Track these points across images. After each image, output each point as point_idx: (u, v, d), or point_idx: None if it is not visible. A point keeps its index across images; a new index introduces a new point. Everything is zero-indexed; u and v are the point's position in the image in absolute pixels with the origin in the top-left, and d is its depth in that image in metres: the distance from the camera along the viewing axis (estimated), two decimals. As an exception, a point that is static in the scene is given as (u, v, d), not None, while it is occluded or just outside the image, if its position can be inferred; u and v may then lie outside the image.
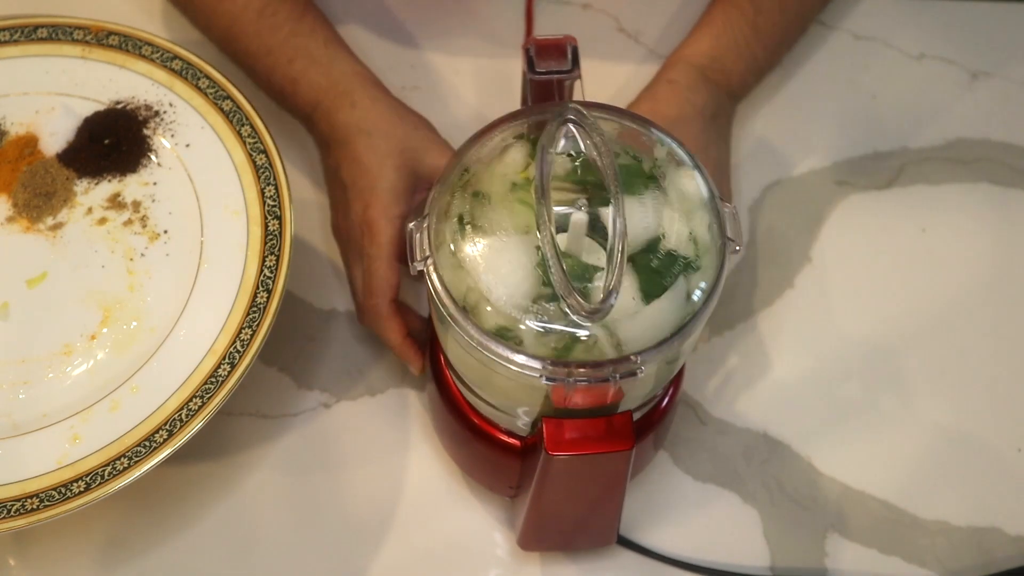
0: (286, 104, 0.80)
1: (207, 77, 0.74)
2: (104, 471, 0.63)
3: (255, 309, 0.67)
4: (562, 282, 0.55)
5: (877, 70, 0.93)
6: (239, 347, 0.66)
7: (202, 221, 0.71)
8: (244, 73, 0.81)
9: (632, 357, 0.56)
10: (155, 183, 0.73)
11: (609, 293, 0.55)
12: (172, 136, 0.73)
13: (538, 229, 0.57)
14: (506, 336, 0.57)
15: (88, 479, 0.63)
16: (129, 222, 0.72)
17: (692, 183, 0.60)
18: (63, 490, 0.63)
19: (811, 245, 0.85)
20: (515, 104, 0.66)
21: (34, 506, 0.62)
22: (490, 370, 0.60)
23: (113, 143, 0.73)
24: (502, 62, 0.91)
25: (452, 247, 0.59)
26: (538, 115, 0.62)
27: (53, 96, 0.75)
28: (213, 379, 0.65)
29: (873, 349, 0.82)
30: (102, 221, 0.72)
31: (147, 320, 0.69)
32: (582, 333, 0.56)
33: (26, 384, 0.67)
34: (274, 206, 0.70)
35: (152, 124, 0.74)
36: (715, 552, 0.74)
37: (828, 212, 0.87)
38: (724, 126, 0.82)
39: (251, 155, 0.72)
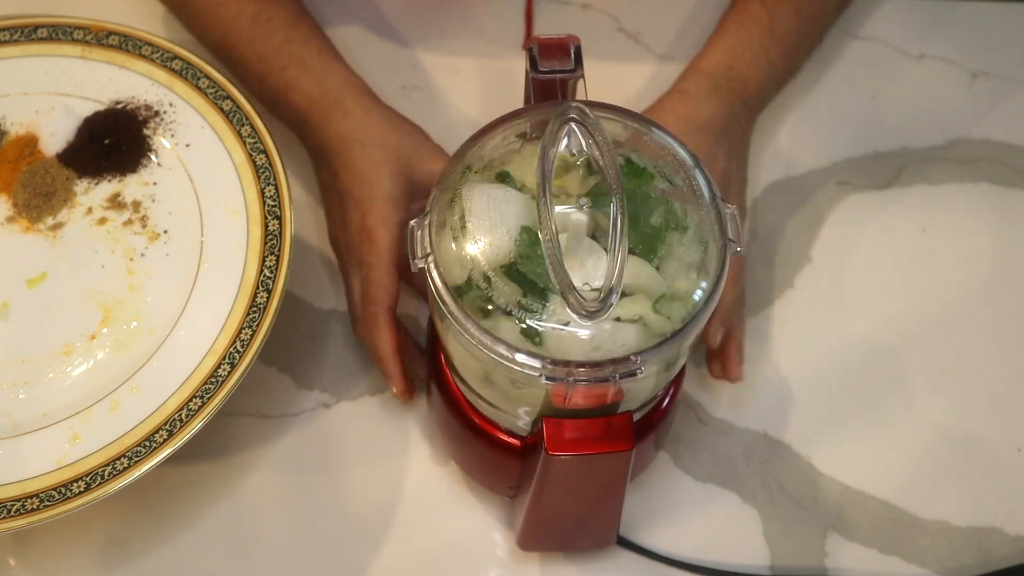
0: (278, 112, 0.79)
1: (207, 77, 0.74)
2: (104, 471, 0.63)
3: (255, 309, 0.67)
4: (563, 281, 0.55)
5: (877, 70, 0.93)
6: (239, 347, 0.66)
7: (202, 221, 0.71)
8: (238, 80, 0.81)
9: (632, 357, 0.56)
10: (155, 183, 0.73)
11: (610, 292, 0.55)
12: (172, 136, 0.73)
13: (539, 228, 0.57)
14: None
15: (88, 479, 0.63)
16: (129, 222, 0.71)
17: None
18: (63, 490, 0.63)
19: (811, 245, 0.85)
20: (516, 103, 0.66)
21: (34, 506, 0.62)
22: (490, 369, 0.60)
23: (113, 143, 0.73)
24: (502, 62, 0.91)
25: (453, 245, 0.59)
26: (540, 114, 0.62)
27: (53, 96, 0.75)
28: (213, 379, 0.65)
29: (873, 349, 0.82)
30: (102, 221, 0.72)
31: (147, 320, 0.69)
32: (582, 333, 0.57)
33: (26, 384, 0.67)
34: (274, 206, 0.70)
35: (152, 124, 0.74)
36: (715, 552, 0.74)
37: (828, 212, 0.87)
38: (738, 138, 0.80)
39: (251, 155, 0.72)
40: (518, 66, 0.67)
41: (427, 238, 0.59)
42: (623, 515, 0.69)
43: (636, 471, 0.72)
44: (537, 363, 0.56)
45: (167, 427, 0.64)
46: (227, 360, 0.66)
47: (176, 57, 0.75)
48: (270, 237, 0.69)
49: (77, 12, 0.78)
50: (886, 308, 0.83)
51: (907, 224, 0.87)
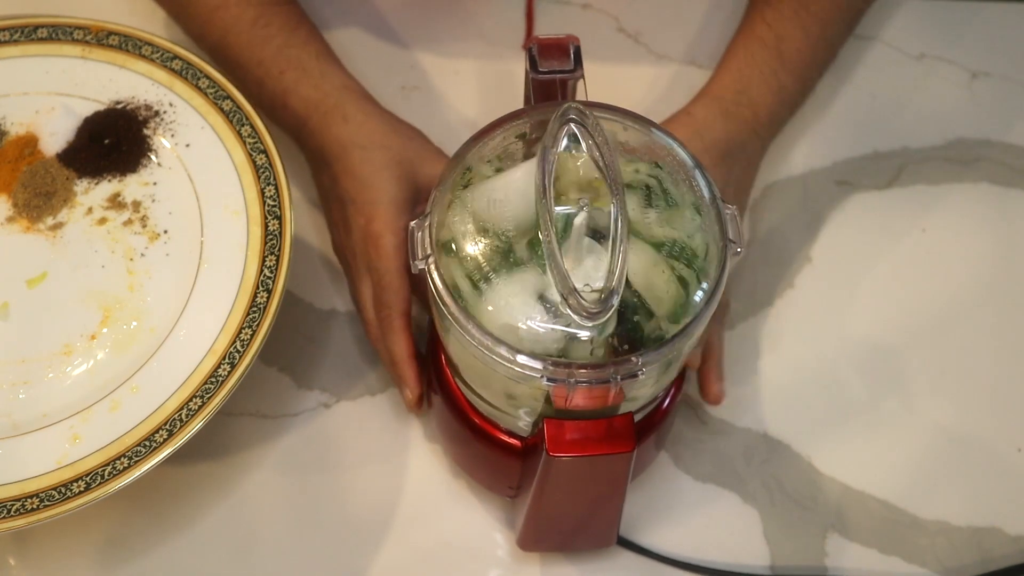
0: (276, 116, 0.79)
1: (207, 77, 0.74)
2: (104, 471, 0.63)
3: (255, 309, 0.67)
4: (563, 282, 0.55)
5: (877, 70, 0.93)
6: (239, 347, 0.66)
7: (202, 221, 0.71)
8: (236, 84, 0.81)
9: (633, 358, 0.56)
10: (155, 183, 0.73)
11: (610, 293, 0.55)
12: (172, 136, 0.73)
13: (539, 229, 0.57)
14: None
15: (88, 479, 0.63)
16: (129, 222, 0.71)
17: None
18: (63, 490, 0.63)
19: (811, 245, 0.85)
20: (515, 104, 0.66)
21: (34, 506, 0.62)
22: (491, 370, 0.60)
23: (113, 143, 0.73)
24: (502, 62, 0.91)
25: (454, 245, 0.59)
26: (540, 115, 0.62)
27: (53, 96, 0.75)
28: (213, 379, 0.65)
29: (873, 349, 0.82)
30: (102, 221, 0.72)
31: (147, 320, 0.68)
32: (582, 334, 0.57)
33: (26, 384, 0.67)
34: (274, 206, 0.70)
35: (152, 124, 0.74)
36: (715, 552, 0.74)
37: (828, 212, 0.87)
38: (741, 166, 0.78)
39: (251, 155, 0.72)
40: (518, 66, 0.67)
41: (427, 239, 0.59)
42: (623, 515, 0.69)
43: (637, 471, 0.72)
44: (538, 364, 0.56)
45: (167, 427, 0.64)
46: (227, 360, 0.66)
47: (176, 57, 0.75)
48: (270, 237, 0.69)
49: (77, 12, 0.78)
50: (886, 308, 0.83)
51: (907, 224, 0.87)
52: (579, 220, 0.56)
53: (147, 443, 0.64)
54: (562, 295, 0.55)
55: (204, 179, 0.72)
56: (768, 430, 0.78)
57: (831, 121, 0.91)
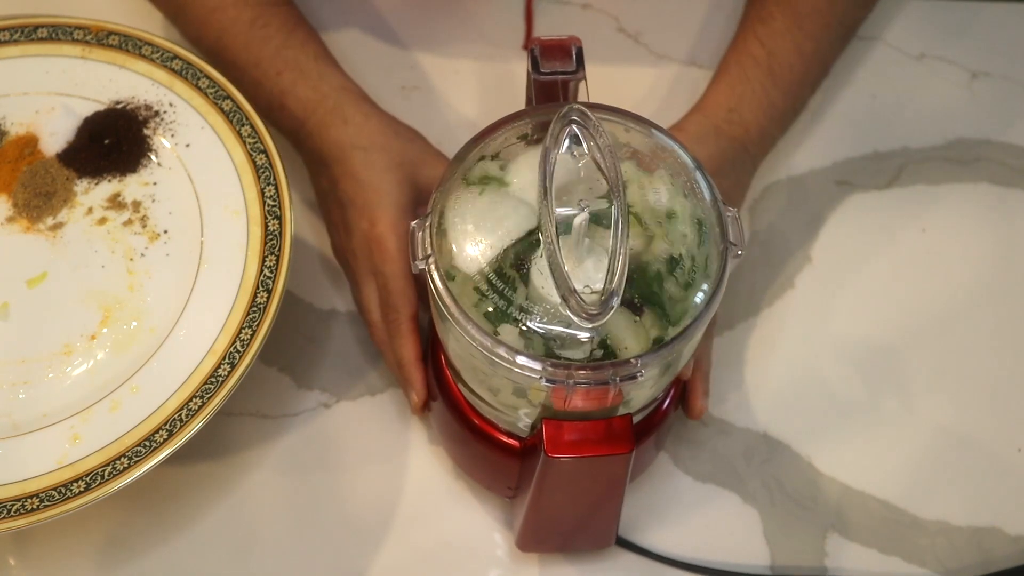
0: (273, 118, 0.78)
1: (207, 77, 0.74)
2: (104, 471, 0.63)
3: (255, 309, 0.67)
4: (563, 283, 0.55)
5: (877, 70, 0.93)
6: (239, 347, 0.66)
7: (202, 221, 0.71)
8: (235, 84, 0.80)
9: (632, 360, 0.56)
10: (155, 183, 0.73)
11: (610, 295, 0.55)
12: (172, 136, 0.73)
13: (540, 230, 0.57)
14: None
15: (88, 479, 0.63)
16: (129, 222, 0.71)
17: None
18: (63, 490, 0.63)
19: (811, 245, 0.85)
20: (516, 104, 0.66)
21: (34, 506, 0.62)
22: (490, 370, 0.60)
23: (113, 143, 0.73)
24: (502, 62, 0.91)
25: (454, 246, 0.59)
26: (541, 116, 0.62)
27: (53, 96, 0.75)
28: (213, 379, 0.65)
29: (873, 349, 0.82)
30: (102, 221, 0.72)
31: (147, 320, 0.69)
32: (582, 335, 0.57)
33: (26, 384, 0.67)
34: (274, 206, 0.70)
35: (152, 124, 0.74)
36: (715, 552, 0.74)
37: (828, 212, 0.87)
38: (730, 183, 0.78)
39: (251, 155, 0.72)
40: (518, 67, 0.67)
41: (428, 239, 0.59)
42: (623, 515, 0.69)
43: (636, 472, 0.72)
44: (537, 365, 0.56)
45: (167, 427, 0.64)
46: (227, 360, 0.66)
47: (176, 57, 0.75)
48: (270, 237, 0.69)
49: (77, 12, 0.78)
50: (886, 308, 0.83)
51: (907, 224, 0.87)
52: (579, 221, 0.56)
53: (147, 443, 0.64)
54: (562, 296, 0.55)
55: (204, 179, 0.72)
56: (768, 430, 0.78)
57: (831, 121, 0.91)
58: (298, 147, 0.79)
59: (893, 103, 0.92)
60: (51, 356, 0.68)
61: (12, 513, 0.62)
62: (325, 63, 0.79)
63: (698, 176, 0.61)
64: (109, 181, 0.73)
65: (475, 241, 0.59)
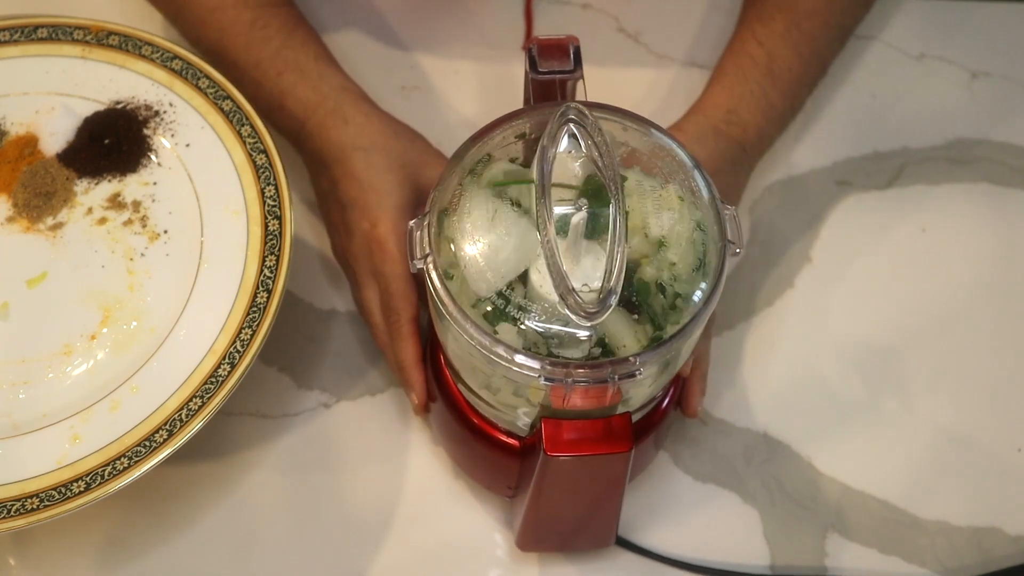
0: (273, 119, 0.78)
1: (207, 77, 0.74)
2: (104, 471, 0.63)
3: (255, 309, 0.67)
4: (561, 282, 0.55)
5: (877, 70, 0.93)
6: (239, 347, 0.66)
7: (202, 221, 0.71)
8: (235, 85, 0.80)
9: (631, 359, 0.56)
10: (155, 183, 0.73)
11: (608, 294, 0.55)
12: (172, 136, 0.73)
13: (538, 229, 0.57)
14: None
15: (88, 479, 0.63)
16: (129, 222, 0.72)
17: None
18: (63, 490, 0.63)
19: (811, 245, 0.85)
20: (515, 104, 0.66)
21: (34, 506, 0.62)
22: (489, 370, 0.60)
23: (113, 143, 0.73)
24: (501, 62, 0.91)
25: (452, 246, 0.59)
26: (539, 115, 0.62)
27: (53, 96, 0.75)
28: (213, 379, 0.65)
29: (873, 349, 0.82)
30: (102, 221, 0.72)
31: (147, 320, 0.69)
32: (580, 333, 0.57)
33: (26, 384, 0.67)
34: (274, 206, 0.70)
35: (152, 124, 0.74)
36: (715, 552, 0.74)
37: (828, 212, 0.87)
38: (728, 183, 0.78)
39: (251, 155, 0.72)
40: (518, 67, 0.67)
41: (426, 239, 0.59)
42: (623, 515, 0.69)
43: (636, 471, 0.72)
44: (536, 364, 0.56)
45: (167, 427, 0.64)
46: (227, 360, 0.66)
47: (176, 57, 0.75)
48: (270, 237, 0.69)
49: (77, 12, 0.78)
50: (886, 308, 0.83)
51: (907, 224, 0.87)
52: (577, 220, 0.56)
53: (147, 443, 0.64)
54: (560, 295, 0.55)
55: (204, 179, 0.72)
56: (768, 430, 0.78)
57: (831, 121, 0.91)
58: (298, 148, 0.79)
59: (893, 103, 0.92)
60: (51, 356, 0.68)
61: (12, 513, 0.62)
62: (325, 63, 0.79)
63: (696, 175, 0.61)
64: (109, 181, 0.73)
65: (473, 240, 0.59)
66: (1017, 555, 0.75)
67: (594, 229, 0.58)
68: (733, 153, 0.78)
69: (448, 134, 0.82)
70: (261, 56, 0.78)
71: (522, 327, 0.57)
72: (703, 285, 0.59)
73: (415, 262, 0.59)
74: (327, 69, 0.78)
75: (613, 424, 0.60)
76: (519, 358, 0.56)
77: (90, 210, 0.72)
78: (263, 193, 0.71)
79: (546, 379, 0.56)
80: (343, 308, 0.81)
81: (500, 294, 0.58)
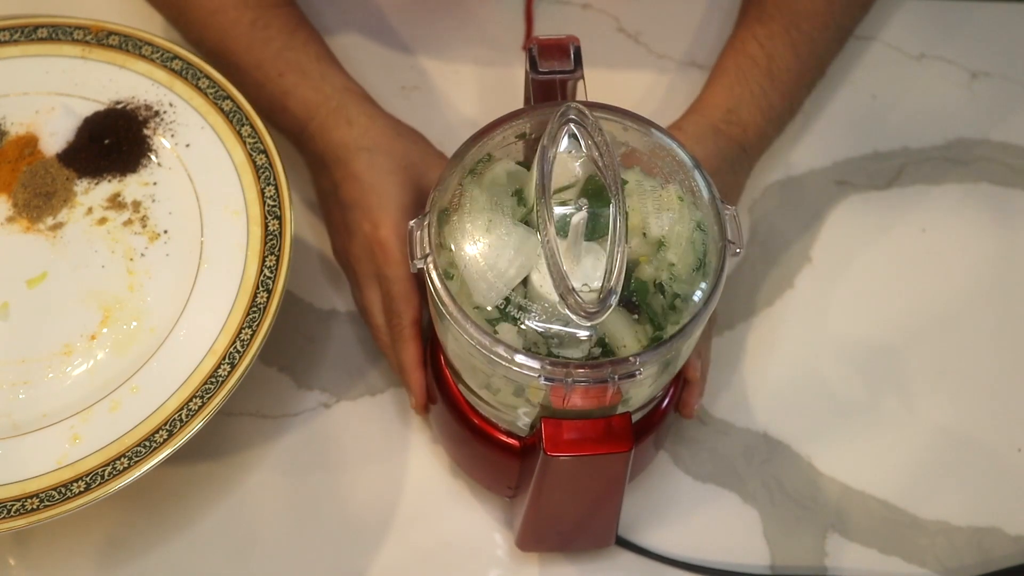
0: (275, 120, 0.78)
1: (207, 77, 0.74)
2: (104, 471, 0.63)
3: (255, 309, 0.67)
4: (561, 282, 0.55)
5: (877, 70, 0.93)
6: (239, 347, 0.66)
7: (202, 221, 0.71)
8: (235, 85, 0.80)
9: (631, 359, 0.56)
10: (155, 183, 0.73)
11: (608, 293, 0.55)
12: (172, 136, 0.73)
13: (538, 229, 0.57)
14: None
15: (88, 479, 0.63)
16: (129, 222, 0.72)
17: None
18: (63, 490, 0.63)
19: (811, 245, 0.85)
20: (515, 104, 0.66)
21: (34, 506, 0.62)
22: (489, 369, 0.60)
23: (113, 143, 0.73)
24: (502, 63, 0.91)
25: (452, 245, 0.59)
26: (539, 115, 0.62)
27: (53, 96, 0.75)
28: (213, 379, 0.65)
29: (873, 349, 0.82)
30: (102, 221, 0.72)
31: (147, 320, 0.69)
32: (581, 333, 0.57)
33: (26, 384, 0.67)
34: (274, 206, 0.70)
35: (152, 124, 0.74)
36: (715, 552, 0.74)
37: (828, 212, 0.87)
38: (727, 183, 0.78)
39: (251, 155, 0.72)
40: (518, 67, 0.67)
41: (426, 238, 0.59)
42: (623, 515, 0.69)
43: (635, 471, 0.72)
44: (536, 364, 0.56)
45: (167, 427, 0.64)
46: (227, 360, 0.66)
47: (176, 57, 0.75)
48: (270, 237, 0.69)
49: (77, 12, 0.78)
50: (886, 308, 0.83)
51: (907, 224, 0.87)
52: (577, 220, 0.56)
53: (147, 443, 0.64)
54: (560, 295, 0.55)
55: (204, 179, 0.72)
56: (768, 430, 0.78)
57: (831, 121, 0.91)
58: (300, 148, 0.79)
59: (893, 103, 0.92)
60: (51, 356, 0.68)
61: (12, 513, 0.62)
62: (327, 64, 0.79)
63: (696, 175, 0.61)
64: (109, 181, 0.73)
65: (473, 240, 0.59)
66: (1017, 555, 0.75)
67: (594, 229, 0.58)
68: (733, 153, 0.78)
69: (448, 134, 0.82)
70: (263, 57, 0.77)
71: (522, 327, 0.57)
72: (703, 285, 0.59)
73: (415, 262, 0.59)
74: (329, 69, 0.78)
75: (613, 424, 0.60)
76: (519, 358, 0.56)
77: (90, 210, 0.72)
78: (263, 193, 0.71)
79: (546, 379, 0.56)
80: (343, 308, 0.81)
81: (500, 294, 0.58)
